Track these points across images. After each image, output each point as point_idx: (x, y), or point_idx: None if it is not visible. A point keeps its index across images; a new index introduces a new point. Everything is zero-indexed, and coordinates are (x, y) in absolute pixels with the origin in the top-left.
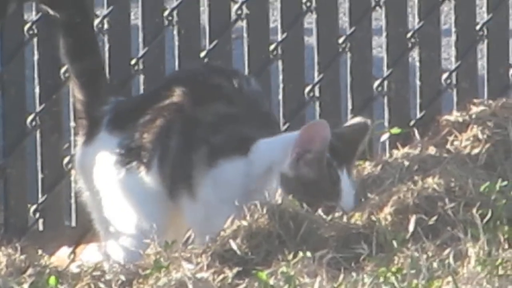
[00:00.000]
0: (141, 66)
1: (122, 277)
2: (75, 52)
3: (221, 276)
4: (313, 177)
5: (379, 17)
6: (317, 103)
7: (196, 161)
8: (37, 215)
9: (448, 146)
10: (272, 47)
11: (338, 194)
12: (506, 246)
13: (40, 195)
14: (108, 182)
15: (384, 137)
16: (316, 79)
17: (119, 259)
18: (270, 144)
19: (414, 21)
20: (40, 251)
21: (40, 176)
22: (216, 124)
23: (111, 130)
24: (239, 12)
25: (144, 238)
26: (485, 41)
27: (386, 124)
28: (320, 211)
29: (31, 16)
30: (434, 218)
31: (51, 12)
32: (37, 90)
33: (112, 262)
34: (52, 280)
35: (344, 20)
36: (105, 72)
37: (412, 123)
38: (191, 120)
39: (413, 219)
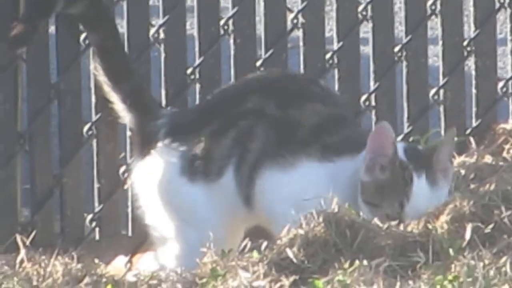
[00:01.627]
0: (197, 76)
1: (179, 286)
2: (114, 78)
3: (278, 285)
4: (385, 178)
5: (434, 26)
6: (373, 112)
7: (303, 160)
8: (94, 224)
9: (504, 154)
10: (328, 56)
11: (407, 195)
12: None
13: (96, 204)
14: (170, 194)
15: None
16: (372, 88)
17: (178, 268)
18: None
19: (470, 30)
20: (96, 260)
21: (96, 185)
22: (316, 125)
23: (170, 143)
24: (295, 21)
25: (202, 247)
26: None
27: (442, 133)
28: (376, 220)
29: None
30: (491, 226)
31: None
32: (93, 99)
33: (168, 271)
34: None
35: (400, 29)
36: (147, 87)
37: (468, 131)
38: (277, 124)
39: (469, 227)
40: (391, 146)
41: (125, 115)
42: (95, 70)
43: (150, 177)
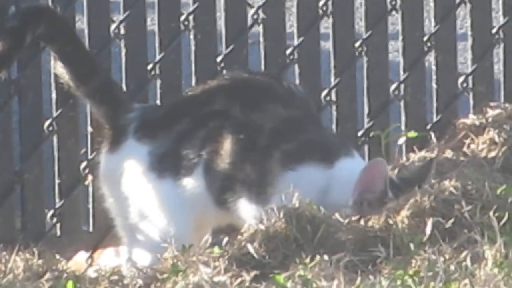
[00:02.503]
0: (157, 71)
1: (140, 281)
2: (78, 78)
3: (239, 280)
4: (372, 213)
5: (395, 22)
6: (334, 107)
7: (267, 165)
8: (54, 220)
9: (465, 149)
10: (288, 51)
11: None
12: None
13: (57, 200)
14: (137, 189)
15: (401, 140)
16: (333, 83)
17: (145, 264)
18: (354, 171)
19: (430, 25)
20: (57, 256)
21: (57, 181)
22: (280, 129)
23: (140, 138)
24: (255, 16)
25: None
26: (501, 45)
27: (402, 127)
28: (337, 215)
29: None
30: (451, 221)
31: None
32: (54, 95)
33: (129, 266)
34: (69, 284)
35: (360, 24)
36: (117, 82)
37: (428, 126)
38: (246, 126)
39: (430, 222)
40: (382, 182)
41: (94, 110)
42: (56, 71)
43: (118, 171)
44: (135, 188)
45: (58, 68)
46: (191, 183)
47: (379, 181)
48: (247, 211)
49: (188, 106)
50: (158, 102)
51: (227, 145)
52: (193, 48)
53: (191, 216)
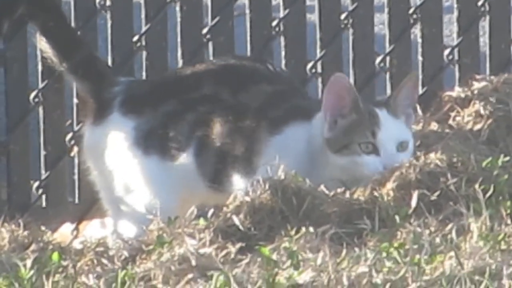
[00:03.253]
0: (143, 43)
1: (125, 253)
2: (61, 53)
3: (224, 252)
4: (350, 120)
5: None
6: (319, 79)
7: (255, 136)
8: (40, 191)
9: (450, 121)
10: (274, 23)
11: (376, 124)
12: (509, 221)
13: (43, 172)
14: (123, 163)
15: None
16: (318, 55)
17: (131, 236)
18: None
19: None
20: (43, 227)
21: (42, 152)
22: (266, 102)
23: (125, 112)
24: None
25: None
26: (487, 17)
27: None
28: (322, 187)
29: None
30: (437, 193)
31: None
32: (39, 67)
33: (115, 238)
34: (55, 256)
35: None
36: (99, 57)
37: None
38: (235, 107)
39: (415, 195)
40: (349, 93)
41: (78, 85)
42: (40, 46)
43: (103, 144)
44: (120, 162)
45: (42, 43)
46: (180, 164)
47: (346, 93)
48: (240, 187)
49: (176, 87)
50: (144, 74)
51: (217, 128)
52: (179, 19)
53: (178, 194)
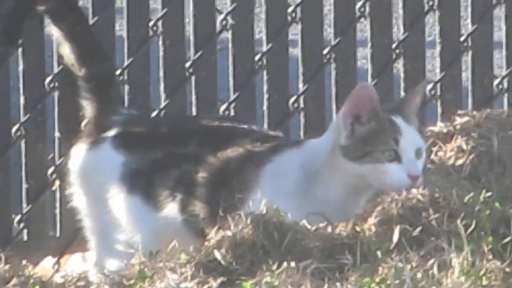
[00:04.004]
0: (125, 77)
1: (107, 287)
2: (83, 59)
3: (206, 286)
4: (370, 128)
5: (363, 28)
6: (302, 114)
7: (243, 177)
8: (22, 225)
9: (433, 156)
10: (257, 57)
11: (398, 131)
12: (490, 257)
13: (24, 205)
14: (109, 195)
15: None
16: (301, 90)
17: (112, 270)
18: (324, 136)
19: (398, 32)
20: (24, 261)
21: (24, 186)
22: (248, 151)
23: (117, 146)
24: (224, 22)
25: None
26: (470, 52)
27: None
28: (304, 222)
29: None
30: (418, 228)
31: (53, 25)
32: (21, 100)
33: (96, 272)
34: None
35: (328, 31)
36: (117, 81)
37: None
38: (217, 164)
39: (397, 230)
40: (372, 102)
41: (84, 96)
42: (61, 51)
43: (93, 171)
44: (106, 194)
45: (64, 48)
46: (164, 216)
47: (366, 103)
48: None
49: (167, 137)
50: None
51: (201, 185)
52: (161, 53)
53: (160, 235)
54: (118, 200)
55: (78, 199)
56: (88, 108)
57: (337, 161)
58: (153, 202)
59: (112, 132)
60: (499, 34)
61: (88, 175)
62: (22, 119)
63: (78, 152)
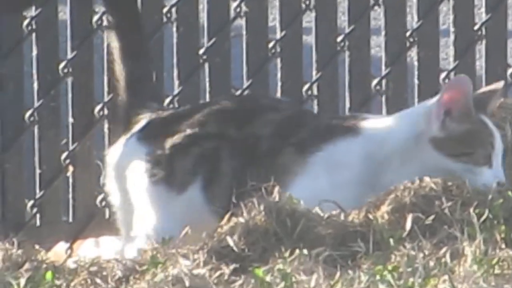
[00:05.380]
0: None
1: (119, 273)
2: (127, 56)
3: (218, 273)
4: (470, 127)
5: (377, 17)
6: (315, 101)
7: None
8: (35, 210)
9: None
10: (270, 45)
11: (492, 136)
12: (503, 246)
13: (37, 191)
14: (135, 188)
15: None
16: (314, 77)
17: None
18: (401, 117)
19: (412, 21)
20: (37, 246)
21: (37, 171)
22: (279, 129)
23: (141, 138)
24: (238, 10)
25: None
26: (484, 41)
27: None
28: (317, 209)
29: (30, 11)
30: (431, 217)
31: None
32: (35, 85)
33: (109, 258)
34: (48, 275)
35: (343, 19)
36: (153, 80)
37: None
38: (243, 139)
39: (410, 218)
40: (464, 98)
41: (120, 92)
42: (108, 47)
43: (123, 165)
44: (133, 187)
45: (112, 42)
46: (186, 198)
47: (460, 97)
48: None
49: (186, 121)
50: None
51: (226, 161)
52: (175, 40)
53: (181, 223)
54: (143, 192)
55: (113, 192)
56: (121, 102)
57: (424, 152)
58: (175, 187)
59: (138, 126)
60: None
61: (120, 168)
62: (36, 104)
63: (114, 146)
